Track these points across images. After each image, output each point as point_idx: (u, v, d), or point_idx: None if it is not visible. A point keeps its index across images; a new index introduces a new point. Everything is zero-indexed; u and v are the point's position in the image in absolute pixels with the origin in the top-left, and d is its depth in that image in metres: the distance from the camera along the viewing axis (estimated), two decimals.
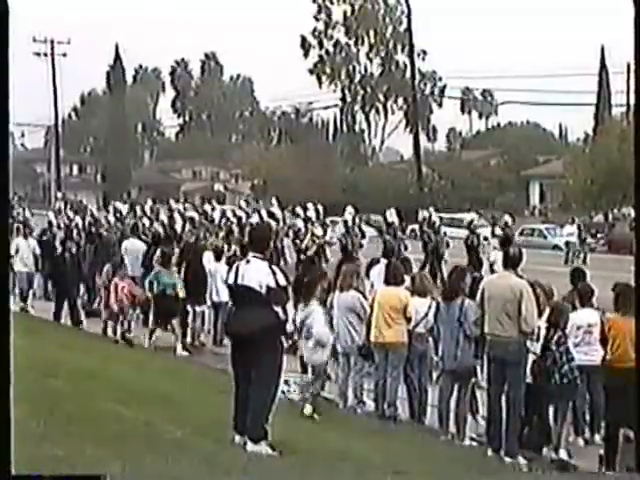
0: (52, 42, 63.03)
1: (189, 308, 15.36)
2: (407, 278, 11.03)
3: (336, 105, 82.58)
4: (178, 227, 20.14)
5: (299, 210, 24.15)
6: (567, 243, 33.44)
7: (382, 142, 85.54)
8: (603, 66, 56.43)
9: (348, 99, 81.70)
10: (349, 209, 22.47)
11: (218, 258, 15.57)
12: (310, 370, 9.95)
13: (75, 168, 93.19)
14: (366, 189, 56.12)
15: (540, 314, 9.02)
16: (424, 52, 75.81)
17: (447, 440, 9.52)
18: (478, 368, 9.68)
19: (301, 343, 9.91)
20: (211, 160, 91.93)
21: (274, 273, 7.26)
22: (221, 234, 19.83)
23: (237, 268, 7.46)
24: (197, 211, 24.56)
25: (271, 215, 20.74)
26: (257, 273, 7.25)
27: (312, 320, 9.67)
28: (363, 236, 21.63)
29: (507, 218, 21.84)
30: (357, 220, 22.78)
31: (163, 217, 22.13)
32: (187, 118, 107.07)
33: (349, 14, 79.13)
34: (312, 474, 6.33)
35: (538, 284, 9.64)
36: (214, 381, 11.15)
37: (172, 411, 8.28)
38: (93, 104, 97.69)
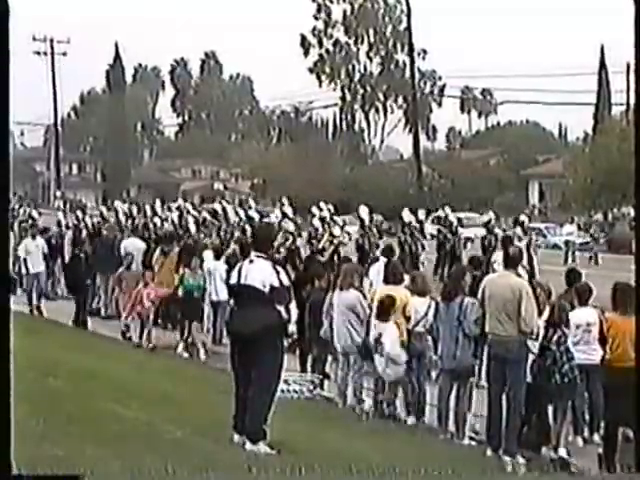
0: (52, 41, 63.14)
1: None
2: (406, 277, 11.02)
3: (336, 104, 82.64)
4: (192, 227, 19.92)
5: (315, 210, 23.78)
6: (567, 242, 33.46)
7: (382, 141, 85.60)
8: (603, 65, 56.34)
9: (348, 98, 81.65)
10: (363, 208, 21.64)
11: (217, 257, 15.56)
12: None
13: (75, 167, 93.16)
14: (366, 188, 56.00)
15: (540, 313, 9.03)
16: (424, 51, 76.02)
17: (446, 439, 9.52)
18: (477, 367, 9.69)
19: (376, 357, 10.13)
20: (211, 159, 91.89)
21: (277, 272, 7.30)
22: (237, 234, 19.60)
23: (240, 268, 7.48)
24: (208, 211, 24.28)
25: (285, 215, 20.56)
26: (260, 272, 7.29)
27: (386, 339, 9.92)
28: (380, 236, 21.09)
29: (523, 218, 21.04)
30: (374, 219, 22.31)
31: (174, 216, 21.86)
32: (187, 117, 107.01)
33: (349, 13, 79.19)
34: (312, 474, 6.33)
35: (538, 283, 9.64)
36: (214, 381, 11.16)
37: (172, 411, 8.28)
38: (93, 103, 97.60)
